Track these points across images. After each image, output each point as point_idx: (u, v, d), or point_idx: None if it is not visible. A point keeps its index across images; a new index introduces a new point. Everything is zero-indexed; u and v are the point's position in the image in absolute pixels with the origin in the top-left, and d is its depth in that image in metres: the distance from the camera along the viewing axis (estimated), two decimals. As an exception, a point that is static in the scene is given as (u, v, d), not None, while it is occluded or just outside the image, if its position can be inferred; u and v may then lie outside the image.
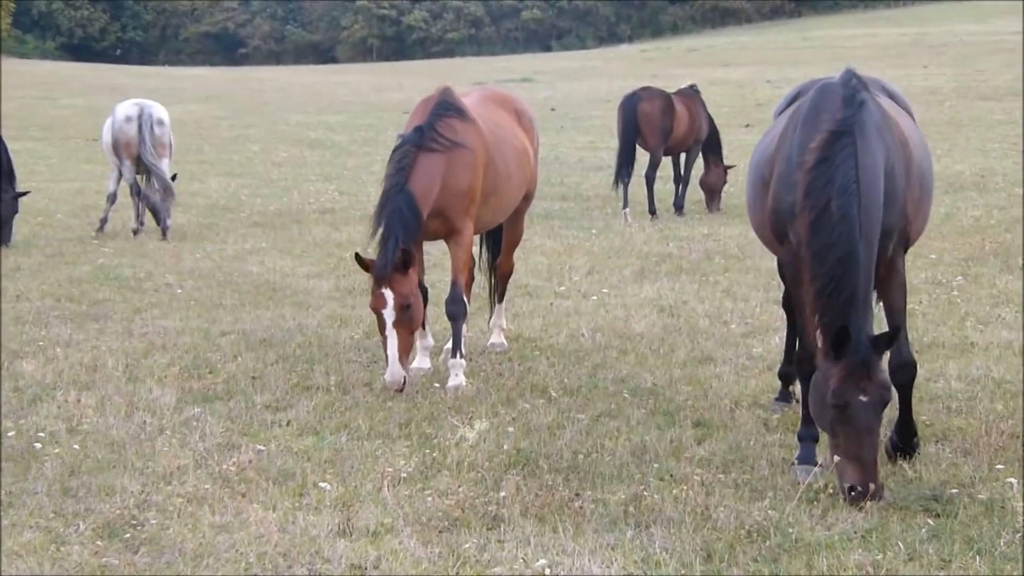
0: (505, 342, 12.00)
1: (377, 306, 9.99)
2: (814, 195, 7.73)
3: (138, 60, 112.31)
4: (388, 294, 9.94)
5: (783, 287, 9.73)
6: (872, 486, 7.45)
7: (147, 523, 7.42)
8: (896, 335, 7.81)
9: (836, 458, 7.59)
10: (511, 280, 12.56)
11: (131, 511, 7.59)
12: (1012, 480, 7.90)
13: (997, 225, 18.55)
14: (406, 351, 10.06)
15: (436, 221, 10.47)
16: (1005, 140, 30.95)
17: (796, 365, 8.76)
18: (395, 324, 9.93)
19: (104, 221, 19.62)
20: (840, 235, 7.63)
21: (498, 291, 12.24)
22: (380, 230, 10.06)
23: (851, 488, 7.47)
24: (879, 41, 75.15)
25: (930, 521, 7.31)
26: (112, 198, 19.60)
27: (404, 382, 9.92)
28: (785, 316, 9.86)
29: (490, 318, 12.30)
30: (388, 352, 9.95)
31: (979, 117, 36.32)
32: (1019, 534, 7.05)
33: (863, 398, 7.49)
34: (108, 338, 12.16)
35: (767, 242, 9.08)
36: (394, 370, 9.89)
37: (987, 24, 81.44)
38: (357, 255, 10.10)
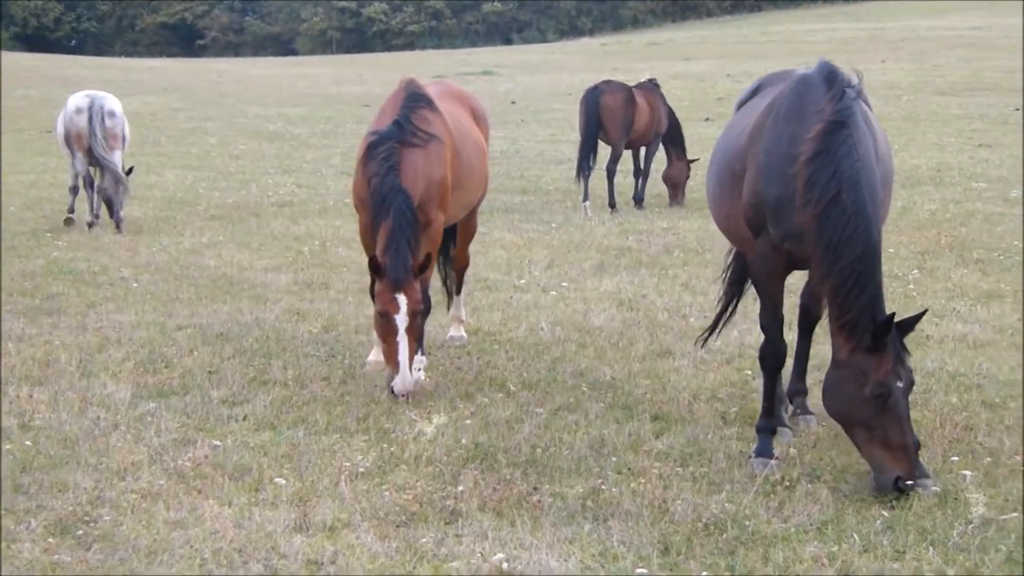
0: (464, 335, 11.98)
1: (389, 311, 9.78)
2: (819, 187, 7.68)
3: (93, 51, 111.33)
4: (402, 299, 9.76)
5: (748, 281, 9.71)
6: (917, 475, 7.51)
7: (100, 520, 7.36)
8: (920, 317, 7.80)
9: (869, 454, 7.60)
10: (468, 274, 12.51)
11: (84, 508, 7.52)
12: (966, 472, 7.95)
13: (953, 219, 18.64)
14: (413, 357, 9.95)
15: None
16: (961, 135, 31.14)
17: (760, 359, 8.72)
18: (407, 330, 9.77)
19: (71, 211, 19.46)
20: (857, 229, 7.61)
21: (455, 284, 12.20)
22: (387, 233, 9.87)
23: (899, 479, 7.46)
24: (838, 36, 75.37)
25: (885, 513, 7.35)
26: (74, 190, 19.43)
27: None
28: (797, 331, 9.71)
29: (448, 311, 12.29)
30: (400, 358, 9.74)
31: (936, 112, 36.51)
32: (972, 525, 7.09)
33: (900, 384, 7.54)
34: (61, 332, 12.05)
35: (733, 235, 9.02)
36: (405, 376, 9.74)
37: (945, 19, 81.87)
38: (373, 259, 9.82)
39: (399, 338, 9.74)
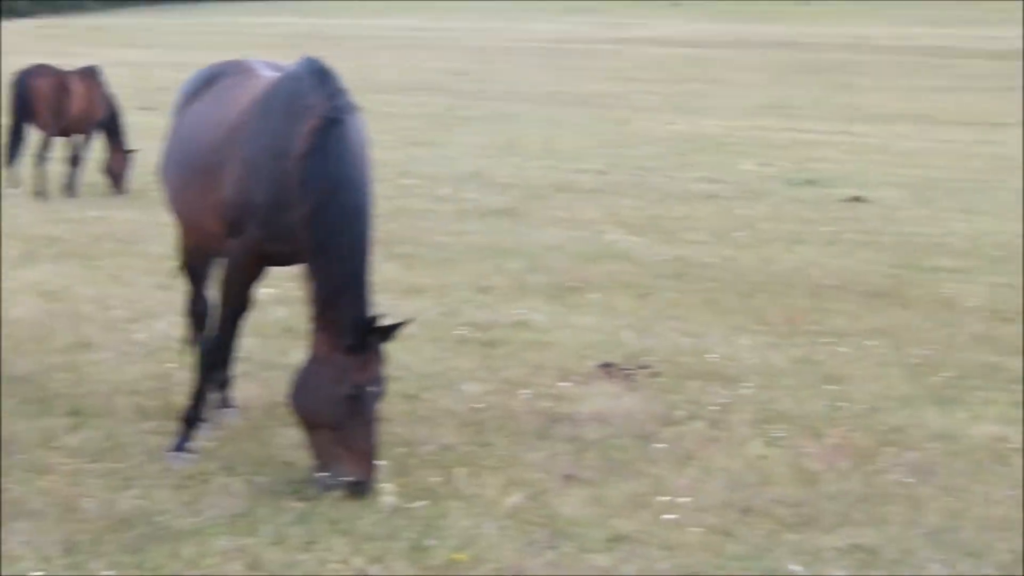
0: None
1: None
2: (314, 185, 7.56)
3: None
4: None
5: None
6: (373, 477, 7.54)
7: None
8: (401, 325, 7.83)
9: (327, 454, 7.56)
10: None
11: None
12: (380, 462, 8.12)
13: (383, 215, 18.83)
14: None
15: None
16: (397, 132, 32.00)
17: (207, 353, 8.56)
18: None
19: None
20: (352, 229, 7.61)
21: None
22: None
23: (357, 482, 7.46)
24: (281, 30, 76.23)
25: (298, 504, 7.42)
26: None
27: None
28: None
29: None
30: None
31: (372, 109, 37.36)
32: (382, 514, 7.32)
33: (374, 388, 7.54)
34: None
35: (200, 231, 8.64)
36: None
37: (386, 19, 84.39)
38: None
39: None
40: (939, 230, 18.54)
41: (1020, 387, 10.50)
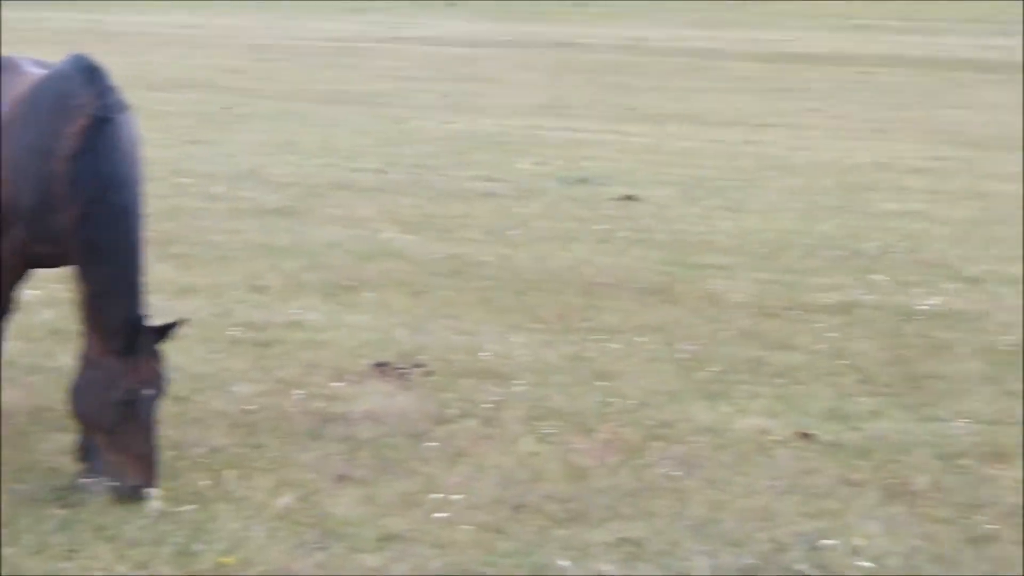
0: None
1: None
2: (83, 186, 7.40)
3: None
4: None
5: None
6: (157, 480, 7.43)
7: None
8: (176, 324, 7.69)
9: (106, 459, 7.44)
10: None
11: None
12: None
13: (158, 214, 18.70)
14: None
15: None
16: (171, 131, 31.39)
17: None
18: None
19: None
20: (123, 230, 7.47)
21: None
22: None
23: (137, 487, 7.35)
24: (51, 26, 74.14)
25: (61, 512, 7.27)
26: None
27: None
28: None
29: None
30: None
31: (144, 107, 36.67)
32: (148, 519, 7.20)
33: (150, 391, 7.42)
34: None
35: None
36: None
37: (161, 16, 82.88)
38: None
39: None
40: (708, 228, 18.92)
41: (783, 381, 10.84)
